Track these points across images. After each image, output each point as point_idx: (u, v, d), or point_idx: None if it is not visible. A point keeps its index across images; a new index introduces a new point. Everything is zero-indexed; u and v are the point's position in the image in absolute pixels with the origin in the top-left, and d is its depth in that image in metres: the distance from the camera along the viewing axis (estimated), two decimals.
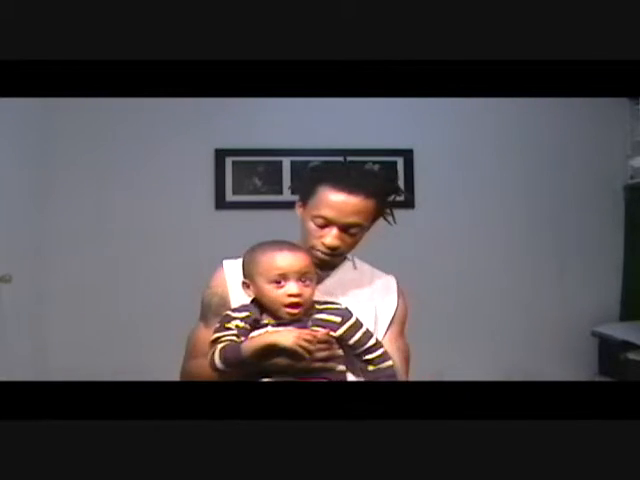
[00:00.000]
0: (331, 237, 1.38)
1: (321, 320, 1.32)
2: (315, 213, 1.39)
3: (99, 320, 2.76)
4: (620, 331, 2.64)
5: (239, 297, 1.42)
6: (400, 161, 2.86)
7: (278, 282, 1.30)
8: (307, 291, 1.31)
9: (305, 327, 1.31)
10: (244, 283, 1.36)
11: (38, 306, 2.72)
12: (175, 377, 1.45)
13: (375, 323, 1.46)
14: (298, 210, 1.47)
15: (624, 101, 2.88)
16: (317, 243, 1.40)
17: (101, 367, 2.42)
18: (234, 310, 1.37)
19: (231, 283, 1.45)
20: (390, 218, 1.47)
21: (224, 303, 1.43)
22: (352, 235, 1.40)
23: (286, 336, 1.26)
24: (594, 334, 2.77)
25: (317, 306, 1.35)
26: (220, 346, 1.30)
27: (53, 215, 2.77)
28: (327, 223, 1.38)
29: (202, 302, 1.48)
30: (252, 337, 1.30)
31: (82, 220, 2.79)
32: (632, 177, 2.88)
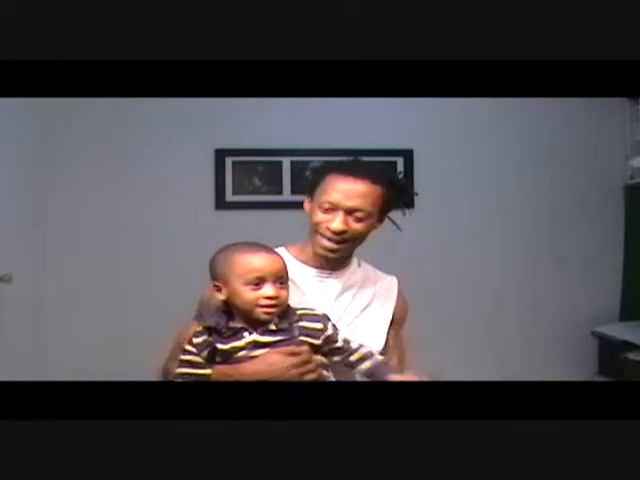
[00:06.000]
0: (337, 221, 1.39)
1: (305, 328, 1.32)
2: (322, 199, 1.41)
3: (99, 320, 2.76)
4: (620, 331, 2.64)
5: None
6: (400, 161, 2.86)
7: (255, 284, 1.30)
8: (283, 293, 1.32)
9: (293, 337, 1.31)
10: (215, 286, 1.35)
11: (38, 306, 2.72)
12: None
13: (377, 324, 1.49)
14: (306, 206, 1.48)
15: (624, 101, 2.88)
16: (322, 228, 1.41)
17: (101, 367, 2.42)
18: (191, 338, 1.34)
19: None
20: (398, 220, 1.49)
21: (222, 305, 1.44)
22: (358, 220, 1.40)
23: (275, 368, 1.27)
24: (594, 334, 2.77)
25: (298, 312, 1.35)
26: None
27: (53, 215, 2.77)
28: (333, 207, 1.40)
29: (200, 301, 1.49)
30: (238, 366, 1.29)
31: (82, 220, 2.80)
32: (632, 177, 2.88)
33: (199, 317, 1.47)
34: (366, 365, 1.34)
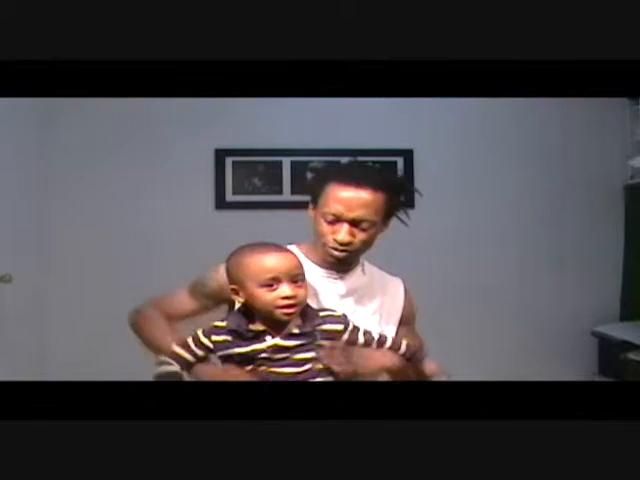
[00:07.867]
0: (342, 233, 1.39)
1: (327, 331, 1.32)
2: (325, 210, 1.40)
3: (99, 320, 2.75)
4: (620, 331, 2.64)
5: None
6: (400, 161, 2.86)
7: (270, 285, 1.27)
8: (300, 292, 1.29)
9: (314, 341, 1.30)
10: (233, 289, 1.33)
11: (38, 306, 2.72)
12: None
13: (384, 325, 1.49)
14: (310, 212, 1.48)
15: (624, 101, 2.88)
16: (329, 240, 1.41)
17: (101, 367, 2.42)
18: (210, 334, 1.32)
19: None
20: (404, 217, 1.48)
21: (220, 291, 1.43)
22: (363, 230, 1.40)
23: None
24: (594, 334, 2.76)
25: (321, 314, 1.35)
26: (161, 370, 1.31)
27: (53, 215, 2.77)
28: (337, 219, 1.39)
29: (200, 277, 1.50)
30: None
31: (82, 220, 2.79)
32: (632, 177, 2.88)
33: (192, 289, 1.50)
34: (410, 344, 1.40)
